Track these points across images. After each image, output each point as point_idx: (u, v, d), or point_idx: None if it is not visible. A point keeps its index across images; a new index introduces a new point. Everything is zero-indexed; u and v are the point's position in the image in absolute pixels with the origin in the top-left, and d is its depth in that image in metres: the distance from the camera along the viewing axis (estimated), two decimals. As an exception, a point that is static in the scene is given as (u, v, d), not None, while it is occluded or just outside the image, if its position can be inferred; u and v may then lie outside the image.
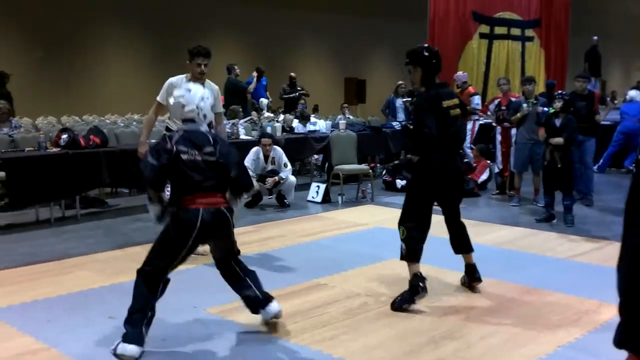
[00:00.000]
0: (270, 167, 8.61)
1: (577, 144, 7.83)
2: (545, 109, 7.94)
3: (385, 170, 10.79)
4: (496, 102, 9.61)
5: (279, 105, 15.43)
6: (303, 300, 4.82)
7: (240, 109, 11.52)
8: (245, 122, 11.18)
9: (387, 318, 4.47)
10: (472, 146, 10.65)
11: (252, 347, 3.97)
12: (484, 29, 14.99)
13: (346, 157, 9.51)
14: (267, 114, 13.07)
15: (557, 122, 7.30)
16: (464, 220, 5.02)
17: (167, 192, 5.64)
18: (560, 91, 8.12)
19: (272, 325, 4.26)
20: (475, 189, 9.57)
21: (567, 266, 5.82)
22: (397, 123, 11.73)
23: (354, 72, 21.76)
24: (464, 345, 3.99)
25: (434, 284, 5.14)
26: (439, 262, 5.36)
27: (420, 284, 4.59)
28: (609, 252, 6.04)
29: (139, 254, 6.14)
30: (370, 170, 9.78)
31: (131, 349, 3.70)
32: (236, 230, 7.20)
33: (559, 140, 7.21)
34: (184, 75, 5.92)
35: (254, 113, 12.52)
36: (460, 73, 11.34)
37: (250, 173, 8.31)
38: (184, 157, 3.83)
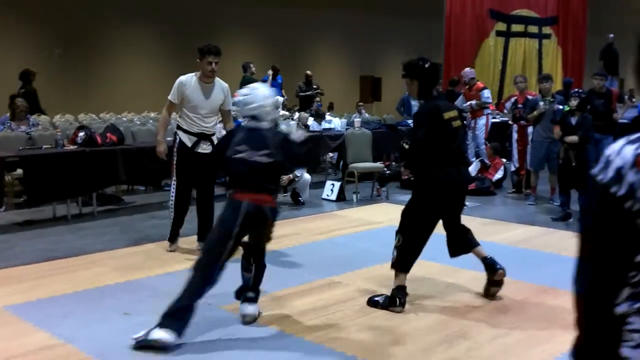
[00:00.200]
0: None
1: (594, 142, 7.77)
2: (561, 106, 7.89)
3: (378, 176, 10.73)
4: (513, 100, 9.55)
5: (294, 103, 15.44)
6: (317, 298, 4.83)
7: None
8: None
9: (401, 317, 4.46)
10: (487, 142, 10.60)
11: (265, 344, 3.99)
12: (501, 26, 14.93)
13: (361, 155, 9.50)
14: (282, 112, 13.07)
15: (573, 120, 7.25)
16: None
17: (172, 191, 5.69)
18: (576, 89, 8.06)
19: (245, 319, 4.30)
20: (491, 188, 9.52)
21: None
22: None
23: (370, 70, 21.71)
24: (477, 344, 3.98)
25: (447, 283, 5.13)
26: (451, 261, 5.34)
27: (400, 298, 4.51)
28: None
29: (155, 250, 6.21)
30: (385, 168, 9.76)
31: (167, 336, 3.81)
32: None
33: (573, 138, 7.16)
34: (194, 74, 5.95)
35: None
36: (467, 69, 11.27)
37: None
38: (240, 155, 4.09)
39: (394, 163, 12.00)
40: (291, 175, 8.45)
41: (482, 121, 10.62)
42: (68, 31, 15.40)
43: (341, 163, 11.07)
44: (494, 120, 11.41)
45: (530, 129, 8.84)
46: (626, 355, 1.44)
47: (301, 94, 14.88)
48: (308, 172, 8.86)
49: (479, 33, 14.75)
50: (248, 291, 4.33)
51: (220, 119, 6.43)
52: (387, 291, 4.64)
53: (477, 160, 10.15)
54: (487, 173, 9.86)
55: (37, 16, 15.09)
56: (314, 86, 14.99)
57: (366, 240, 6.69)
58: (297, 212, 8.30)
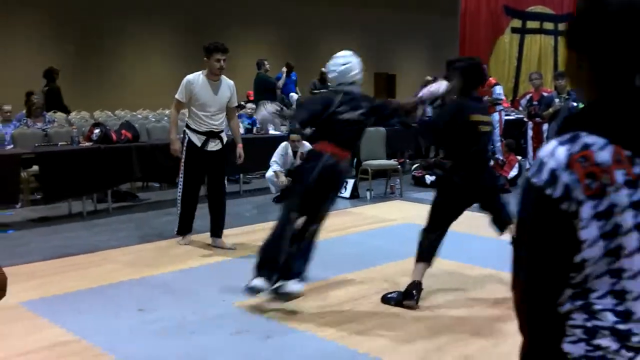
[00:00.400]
0: (298, 162, 8.62)
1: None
2: (576, 104, 7.83)
3: (415, 166, 10.73)
4: (528, 97, 9.50)
5: (308, 100, 15.44)
6: (330, 295, 4.82)
7: (270, 104, 11.53)
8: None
9: (414, 314, 4.45)
10: (502, 138, 10.54)
11: (279, 341, 3.99)
12: (516, 23, 14.82)
13: (375, 152, 9.48)
14: (296, 110, 13.09)
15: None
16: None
17: (180, 187, 5.80)
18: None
19: (280, 297, 4.46)
20: (505, 185, 9.47)
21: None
22: (428, 118, 11.65)
23: (384, 67, 21.65)
24: (492, 342, 3.96)
25: (461, 280, 5.11)
26: (465, 258, 5.33)
27: (414, 293, 4.52)
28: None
29: (169, 247, 6.24)
30: (399, 166, 9.73)
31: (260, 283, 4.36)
32: (265, 225, 7.27)
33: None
34: (201, 72, 6.00)
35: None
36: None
37: (279, 168, 8.38)
38: (342, 116, 4.47)
39: (407, 160, 11.98)
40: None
41: (495, 118, 10.56)
42: (83, 29, 15.48)
43: (355, 160, 11.06)
44: (508, 117, 11.33)
45: (545, 126, 8.80)
46: (567, 350, 1.45)
47: (315, 91, 14.86)
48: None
49: (494, 30, 14.66)
50: (293, 270, 4.49)
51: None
52: (401, 289, 4.63)
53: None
54: (502, 170, 9.80)
55: (53, 14, 15.21)
56: (329, 83, 14.96)
57: (380, 238, 6.68)
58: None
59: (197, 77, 5.97)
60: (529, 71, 11.62)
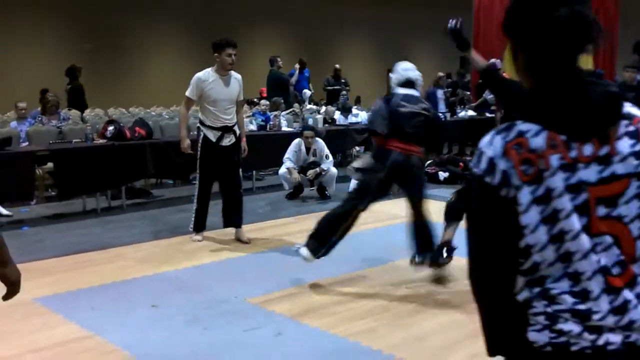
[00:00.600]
0: (311, 158, 8.62)
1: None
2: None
3: (428, 162, 10.68)
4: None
5: (321, 97, 15.43)
6: (343, 292, 4.82)
7: (282, 101, 11.55)
8: (287, 114, 11.21)
9: (427, 311, 4.44)
10: None
11: (291, 337, 3.99)
12: (530, 18, 14.71)
13: (388, 148, 9.44)
14: (309, 106, 13.09)
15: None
16: None
17: (197, 184, 5.87)
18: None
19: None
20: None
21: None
22: (441, 114, 11.61)
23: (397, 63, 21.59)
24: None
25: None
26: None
27: (447, 250, 4.88)
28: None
29: (183, 244, 6.26)
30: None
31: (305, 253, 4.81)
32: (278, 221, 7.29)
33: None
34: (210, 69, 6.05)
35: (296, 105, 12.55)
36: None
37: (292, 165, 8.39)
38: (404, 109, 4.74)
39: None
40: (318, 169, 8.45)
41: None
42: (98, 26, 15.55)
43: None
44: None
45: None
46: (533, 339, 1.47)
47: (328, 87, 14.86)
48: (334, 166, 8.84)
49: (508, 25, 14.55)
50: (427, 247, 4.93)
51: None
52: (413, 285, 4.62)
53: None
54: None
55: (67, 12, 15.28)
56: (342, 80, 14.95)
57: (392, 234, 6.64)
58: (324, 205, 8.26)
59: (207, 74, 6.02)
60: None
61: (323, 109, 12.30)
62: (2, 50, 14.45)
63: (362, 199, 4.83)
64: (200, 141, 6.11)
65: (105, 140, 7.82)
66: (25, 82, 13.47)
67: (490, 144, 1.44)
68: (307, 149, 8.59)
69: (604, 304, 1.41)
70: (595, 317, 1.42)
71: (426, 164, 10.69)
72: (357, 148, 11.49)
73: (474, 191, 1.49)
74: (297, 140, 8.62)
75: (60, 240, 6.44)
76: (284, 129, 9.97)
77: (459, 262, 5.24)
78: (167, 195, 8.95)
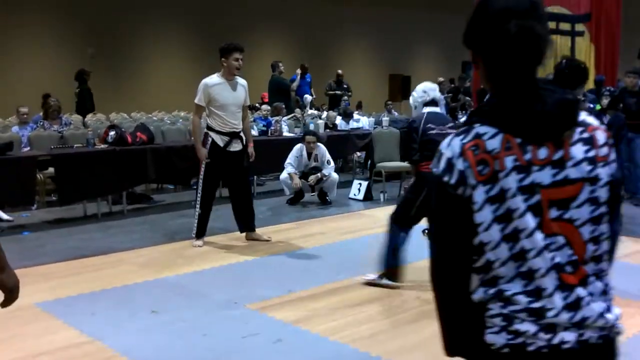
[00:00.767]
0: (313, 164, 8.63)
1: (626, 141, 7.63)
2: (592, 105, 7.76)
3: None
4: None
5: (322, 102, 15.45)
6: (343, 298, 4.82)
7: (284, 106, 11.57)
8: (289, 119, 11.22)
9: (427, 318, 4.42)
10: None
11: (290, 343, 3.99)
12: (532, 23, 14.71)
13: (389, 154, 9.46)
14: (310, 111, 13.10)
15: (605, 119, 7.14)
16: None
17: (199, 189, 5.85)
18: (607, 87, 7.92)
19: None
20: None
21: (613, 267, 5.66)
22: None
23: (399, 68, 21.61)
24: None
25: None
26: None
27: None
28: (659, 253, 5.87)
29: (183, 249, 6.26)
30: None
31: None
32: (278, 227, 7.28)
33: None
34: (216, 74, 6.07)
35: (297, 110, 12.56)
36: None
37: (293, 170, 8.39)
38: (432, 132, 4.85)
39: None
40: (319, 175, 8.46)
41: None
42: (99, 31, 15.59)
43: (369, 162, 11.05)
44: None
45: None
46: (490, 341, 1.50)
47: (330, 92, 14.88)
48: (336, 171, 8.85)
49: (510, 30, 14.57)
50: None
51: None
52: (414, 291, 4.61)
53: None
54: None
55: (69, 16, 15.32)
56: (344, 85, 14.98)
57: (393, 240, 6.64)
58: (325, 211, 8.30)
59: (213, 80, 6.04)
60: (546, 72, 11.52)
61: (324, 114, 12.32)
62: (3, 54, 14.49)
63: (409, 225, 5.04)
64: (208, 146, 6.12)
65: (106, 145, 7.83)
66: (26, 83, 13.53)
67: (449, 146, 1.53)
68: (309, 154, 8.60)
69: (558, 301, 1.45)
70: (550, 313, 1.45)
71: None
72: (358, 153, 11.51)
73: (433, 190, 1.56)
74: (298, 146, 8.62)
75: (61, 245, 6.45)
76: (285, 134, 9.99)
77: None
78: (168, 201, 8.96)
